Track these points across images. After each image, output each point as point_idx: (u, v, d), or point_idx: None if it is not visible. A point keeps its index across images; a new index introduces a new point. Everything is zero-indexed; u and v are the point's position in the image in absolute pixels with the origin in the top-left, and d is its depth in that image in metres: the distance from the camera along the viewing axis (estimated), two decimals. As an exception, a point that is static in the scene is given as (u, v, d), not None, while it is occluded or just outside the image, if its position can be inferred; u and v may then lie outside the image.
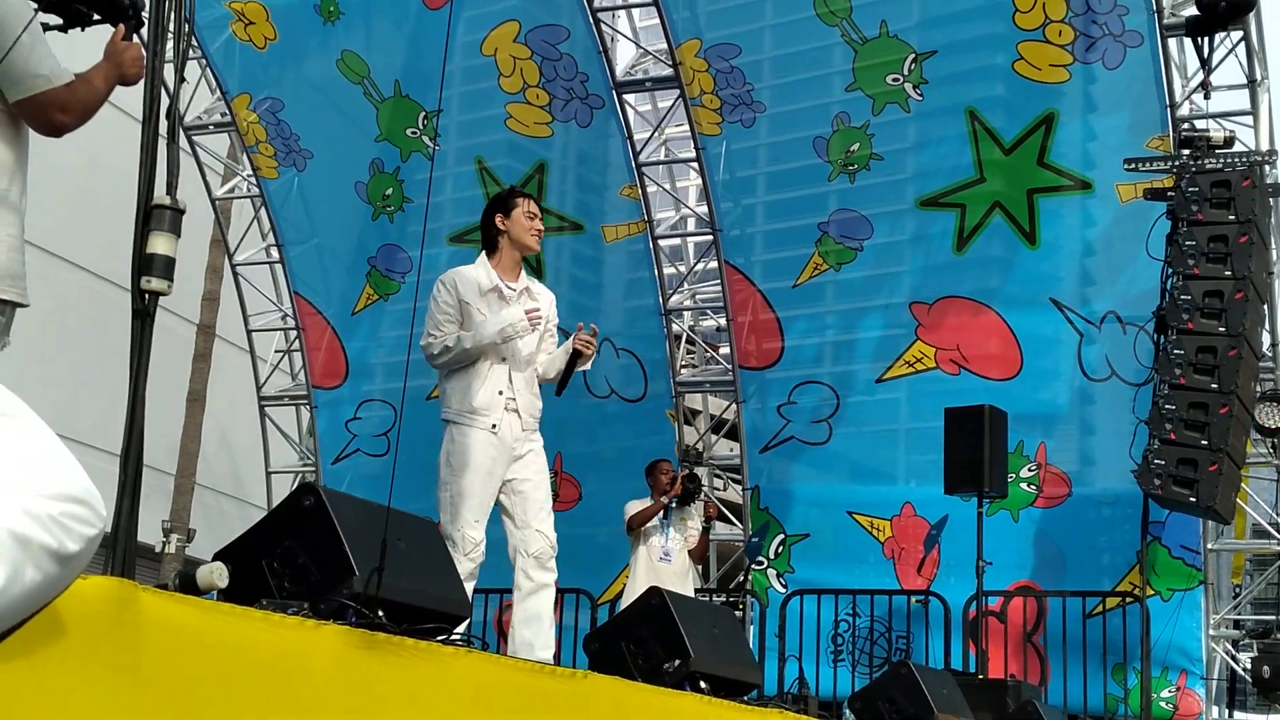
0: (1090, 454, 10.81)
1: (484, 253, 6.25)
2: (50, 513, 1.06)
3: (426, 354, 6.09)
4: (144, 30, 3.85)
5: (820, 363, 11.70)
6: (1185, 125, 9.98)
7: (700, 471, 11.35)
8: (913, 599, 10.60)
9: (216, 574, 3.37)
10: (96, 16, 3.98)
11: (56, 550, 1.05)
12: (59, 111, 3.81)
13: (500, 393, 6.08)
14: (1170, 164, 9.25)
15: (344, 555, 3.63)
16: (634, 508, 9.72)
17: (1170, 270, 8.97)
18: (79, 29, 4.00)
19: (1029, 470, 10.72)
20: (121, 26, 3.98)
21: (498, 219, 6.23)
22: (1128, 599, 9.94)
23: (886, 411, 11.44)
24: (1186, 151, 9.20)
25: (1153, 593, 9.97)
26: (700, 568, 11.37)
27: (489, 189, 12.35)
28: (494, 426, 6.02)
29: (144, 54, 3.88)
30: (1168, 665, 9.95)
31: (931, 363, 11.13)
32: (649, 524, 9.67)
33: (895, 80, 10.92)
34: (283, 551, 3.70)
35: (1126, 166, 9.60)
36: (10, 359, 3.88)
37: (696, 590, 10.52)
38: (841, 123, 11.18)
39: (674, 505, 9.73)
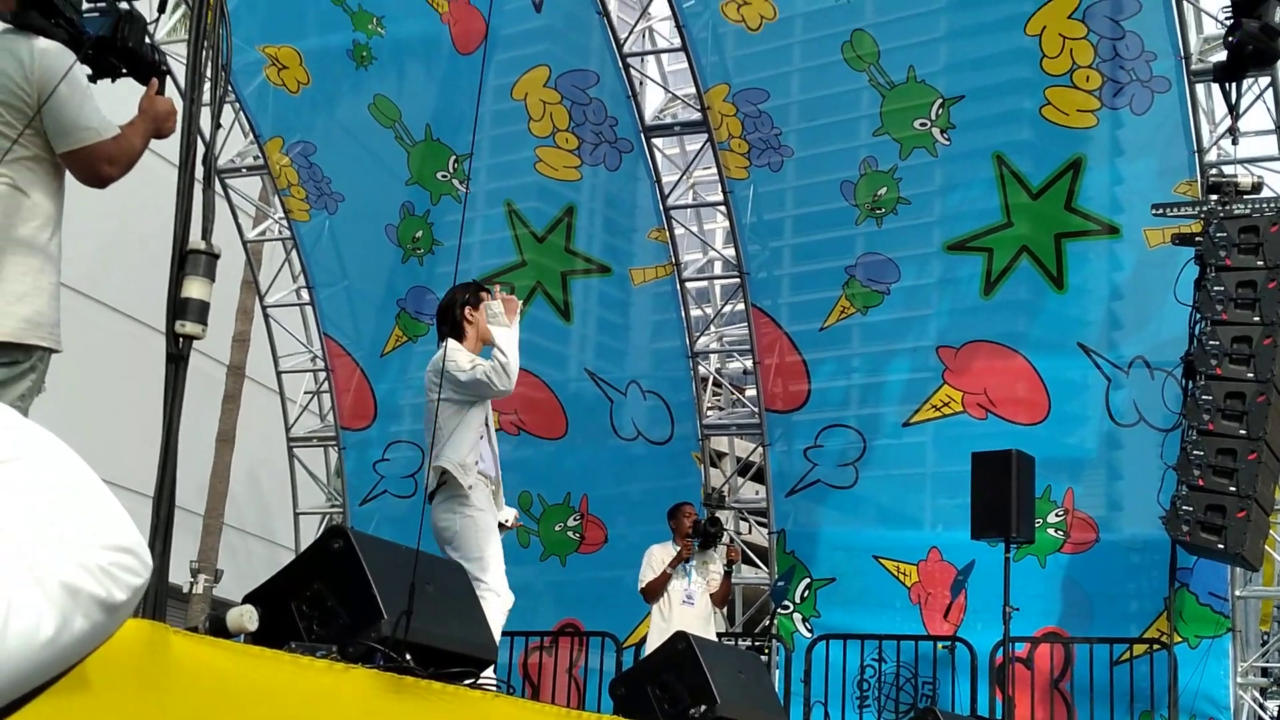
0: (1118, 500, 10.77)
1: (453, 340, 6.35)
2: (100, 563, 1.08)
3: (498, 378, 6.19)
4: (179, 77, 3.94)
5: (847, 406, 11.69)
6: (1213, 171, 9.98)
7: (723, 515, 11.34)
8: (939, 645, 10.54)
9: (246, 617, 3.40)
10: (124, 70, 4.08)
11: (105, 600, 1.08)
12: (106, 164, 3.89)
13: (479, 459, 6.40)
14: (1198, 209, 9.25)
15: (372, 598, 3.65)
16: (650, 569, 9.67)
17: (1198, 315, 8.94)
18: (109, 80, 4.09)
19: (1056, 515, 10.68)
20: (155, 82, 4.06)
21: (466, 311, 6.44)
22: (1155, 646, 9.88)
23: (913, 455, 11.42)
24: (1215, 197, 9.19)
25: (1180, 640, 9.91)
26: (724, 611, 11.34)
27: (518, 231, 12.42)
28: (471, 486, 6.30)
29: (177, 109, 3.97)
30: (1195, 713, 9.87)
31: (959, 406, 11.11)
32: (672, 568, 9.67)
33: (923, 125, 10.95)
34: (311, 594, 3.72)
35: (1154, 211, 9.59)
36: (43, 399, 3.93)
37: (719, 634, 10.49)
38: (869, 167, 11.21)
39: (696, 548, 9.72)
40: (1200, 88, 10.14)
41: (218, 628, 3.39)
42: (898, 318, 11.37)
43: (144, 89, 4.13)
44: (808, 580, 11.59)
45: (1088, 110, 10.42)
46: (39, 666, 1.05)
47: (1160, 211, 9.55)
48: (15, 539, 1.08)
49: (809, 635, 11.25)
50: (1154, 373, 10.34)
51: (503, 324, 6.28)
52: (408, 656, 3.61)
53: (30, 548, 1.07)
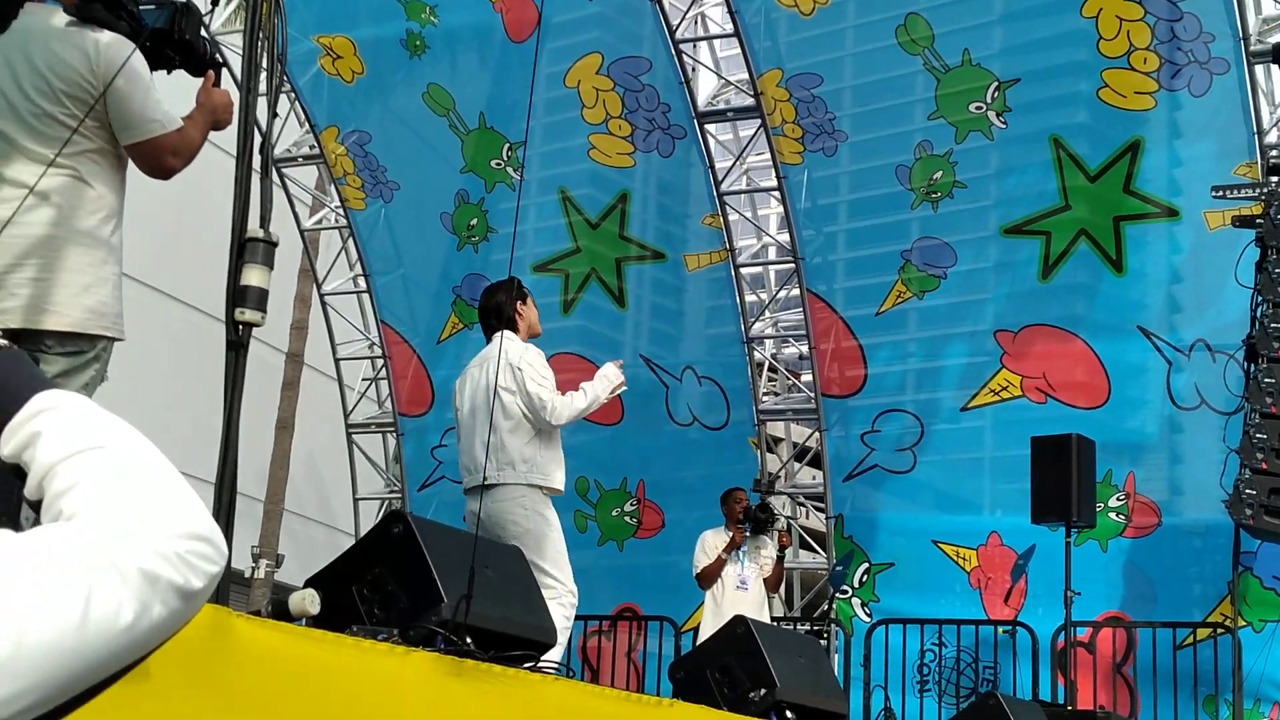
0: (1180, 483, 10.67)
1: (509, 331, 6.41)
2: (177, 550, 1.11)
3: (552, 411, 6.22)
4: (235, 68, 3.98)
5: (904, 391, 11.64)
6: (1273, 152, 9.86)
7: (778, 500, 11.32)
8: (1000, 629, 10.50)
9: (309, 601, 3.43)
10: (179, 62, 4.13)
11: (182, 587, 1.10)
12: (171, 155, 3.95)
13: None
14: (1258, 191, 9.14)
15: (433, 582, 3.68)
16: (704, 554, 9.69)
17: (1260, 298, 8.84)
18: (164, 72, 4.14)
19: (1118, 500, 10.60)
20: (211, 74, 4.11)
21: (518, 305, 6.50)
22: (1219, 630, 9.80)
23: (971, 440, 11.35)
24: (1275, 178, 9.08)
25: (1244, 624, 9.83)
26: (781, 595, 11.33)
27: (572, 218, 12.44)
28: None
29: (233, 100, 4.01)
30: (1260, 697, 9.79)
31: (1017, 391, 11.04)
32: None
33: (978, 108, 10.88)
34: (372, 578, 3.76)
35: (1214, 194, 9.49)
36: (106, 388, 3.98)
37: (774, 619, 10.49)
38: (924, 151, 11.15)
39: (749, 534, 9.73)
40: (1259, 69, 10.02)
41: (280, 612, 3.42)
42: (955, 302, 11.30)
43: (197, 81, 4.17)
44: (866, 565, 11.56)
45: (1145, 92, 10.31)
46: (118, 652, 1.08)
47: (1220, 194, 9.45)
48: (95, 526, 1.11)
49: (868, 620, 11.23)
50: (1215, 356, 10.24)
51: (601, 391, 6.37)
52: (468, 639, 3.63)
53: (110, 535, 1.10)
